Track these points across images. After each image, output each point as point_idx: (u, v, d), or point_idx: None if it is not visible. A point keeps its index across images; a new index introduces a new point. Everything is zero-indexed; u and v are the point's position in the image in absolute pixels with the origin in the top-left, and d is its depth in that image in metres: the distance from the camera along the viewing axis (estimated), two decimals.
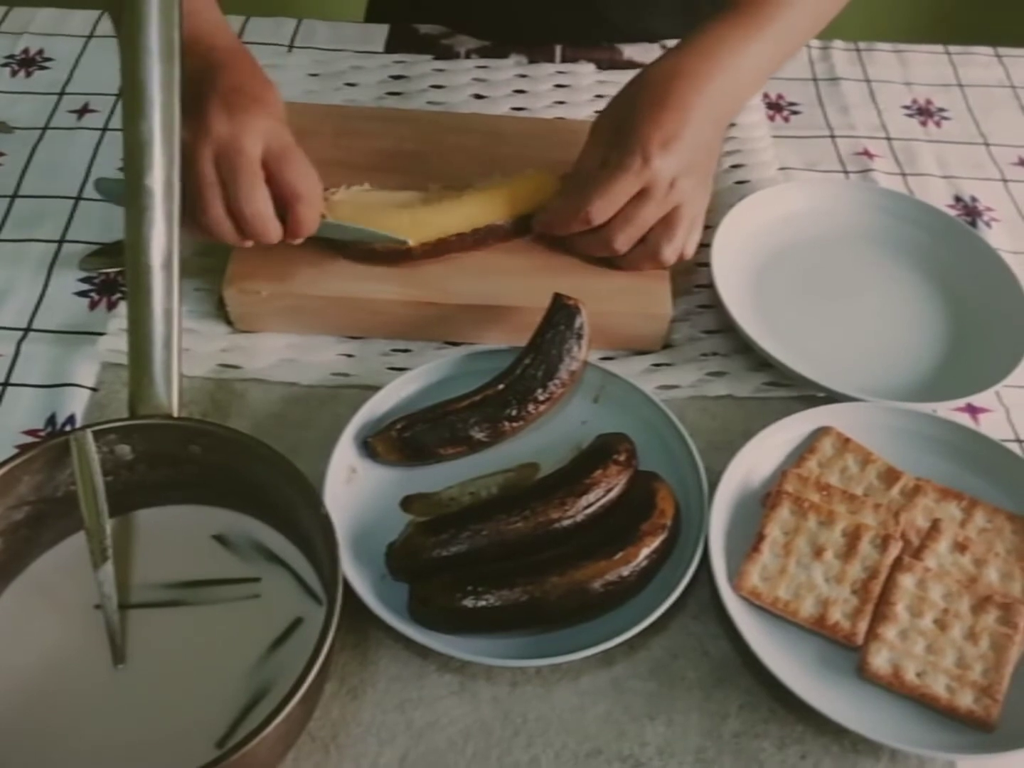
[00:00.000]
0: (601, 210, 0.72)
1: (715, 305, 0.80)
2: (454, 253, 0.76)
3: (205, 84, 0.68)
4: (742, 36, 0.75)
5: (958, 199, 0.93)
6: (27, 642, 0.58)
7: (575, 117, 0.96)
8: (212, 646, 0.58)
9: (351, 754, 0.58)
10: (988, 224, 0.91)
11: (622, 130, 0.72)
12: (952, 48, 1.10)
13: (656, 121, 0.71)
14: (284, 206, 0.69)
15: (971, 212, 0.92)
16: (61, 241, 0.83)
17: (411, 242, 0.74)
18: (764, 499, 0.67)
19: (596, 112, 0.80)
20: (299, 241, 0.72)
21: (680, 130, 0.71)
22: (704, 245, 0.81)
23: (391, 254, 0.75)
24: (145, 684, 0.56)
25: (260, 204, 0.67)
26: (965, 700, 0.58)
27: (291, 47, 1.02)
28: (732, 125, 0.96)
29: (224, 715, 0.55)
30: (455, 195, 0.76)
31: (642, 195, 0.71)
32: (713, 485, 0.66)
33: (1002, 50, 1.10)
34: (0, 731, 0.55)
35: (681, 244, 0.74)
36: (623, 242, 0.73)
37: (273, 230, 0.69)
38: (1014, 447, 0.71)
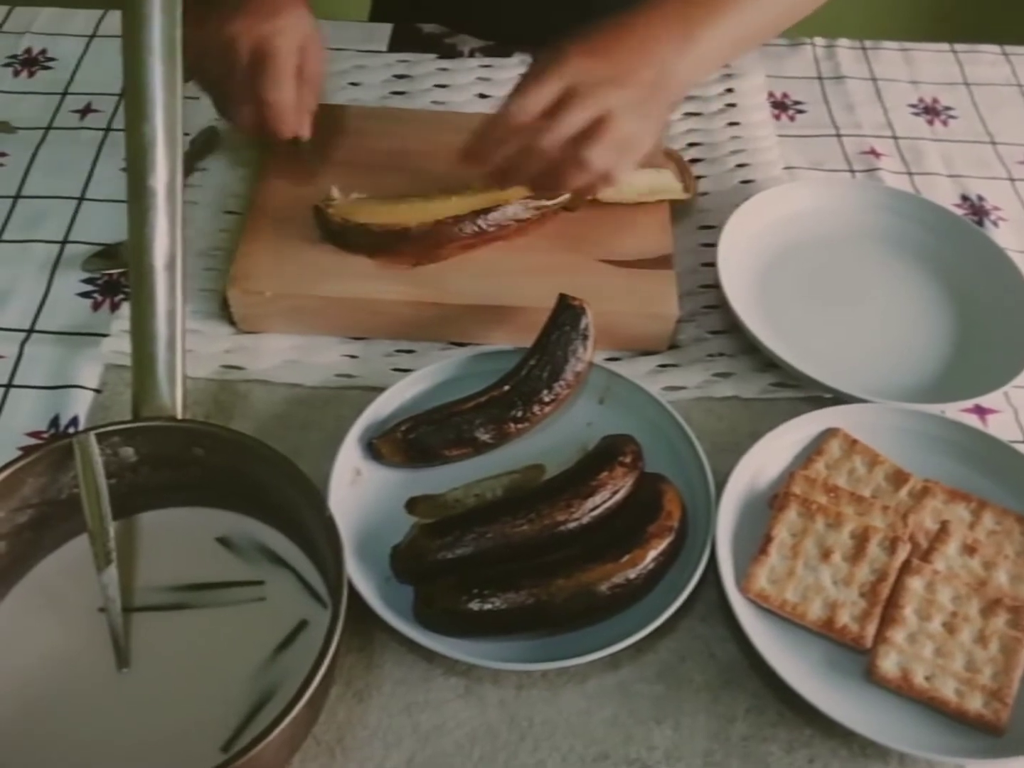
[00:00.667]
0: (520, 106, 0.68)
1: (721, 305, 0.80)
2: (454, 245, 0.76)
3: None
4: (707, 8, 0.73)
5: (965, 198, 0.93)
6: (31, 645, 0.58)
7: None
8: (217, 649, 0.58)
9: (357, 757, 0.57)
10: (995, 223, 0.90)
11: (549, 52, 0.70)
12: (958, 46, 1.09)
13: (583, 38, 0.69)
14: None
15: (978, 211, 0.91)
16: (64, 242, 0.83)
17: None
18: (771, 501, 0.67)
19: None
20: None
21: (608, 48, 0.69)
22: (710, 245, 0.81)
23: (391, 240, 0.74)
24: (149, 688, 0.56)
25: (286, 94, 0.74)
26: (974, 704, 0.58)
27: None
28: (735, 124, 0.96)
29: (229, 719, 0.55)
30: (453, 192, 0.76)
31: (564, 96, 0.67)
32: (720, 487, 0.66)
33: (1009, 48, 1.09)
34: (4, 734, 0.54)
35: (609, 155, 0.68)
36: (550, 142, 0.67)
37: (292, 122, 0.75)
38: (1023, 448, 0.71)
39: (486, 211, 0.76)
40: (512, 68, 1.00)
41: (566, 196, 0.78)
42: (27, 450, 0.58)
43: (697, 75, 0.76)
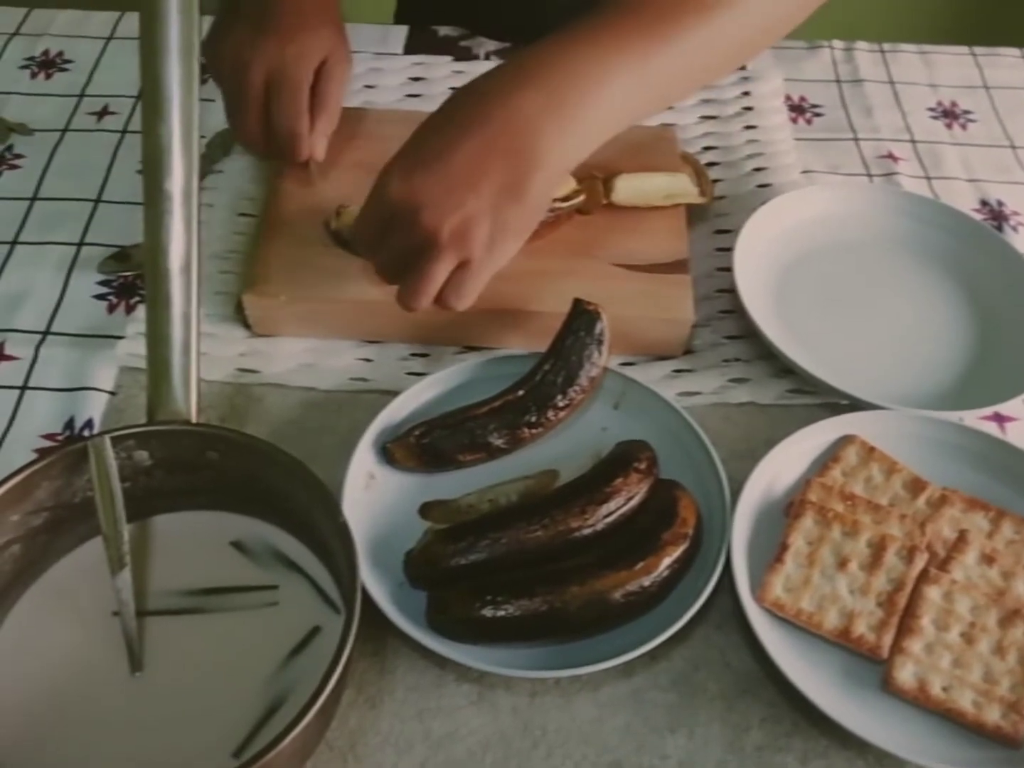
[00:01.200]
0: (354, 233, 0.65)
1: (737, 310, 0.79)
2: None
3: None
4: (607, 51, 0.60)
5: (984, 203, 0.92)
6: (44, 648, 0.58)
7: None
8: (230, 654, 0.58)
9: (369, 764, 0.57)
10: (1015, 228, 0.89)
11: None
12: (978, 49, 1.08)
13: (415, 141, 0.61)
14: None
15: (997, 216, 0.90)
16: (80, 244, 0.83)
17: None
18: (787, 508, 0.66)
19: None
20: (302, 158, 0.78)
21: (437, 156, 0.59)
22: (726, 249, 0.81)
23: None
24: (162, 692, 0.56)
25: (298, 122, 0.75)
26: (992, 715, 0.57)
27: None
28: (752, 127, 0.95)
29: (241, 724, 0.54)
30: None
31: (390, 220, 0.61)
32: (735, 494, 0.65)
33: None
34: (16, 738, 0.54)
35: (428, 284, 0.61)
36: (380, 266, 0.65)
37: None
38: None
39: None
40: None
41: (580, 199, 0.78)
42: (42, 453, 0.58)
43: (578, 156, 0.63)
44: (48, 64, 0.99)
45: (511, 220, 0.60)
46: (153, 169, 0.60)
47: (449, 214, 0.59)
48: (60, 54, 1.00)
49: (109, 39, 1.02)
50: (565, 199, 0.77)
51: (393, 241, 0.62)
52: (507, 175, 0.59)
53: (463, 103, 0.61)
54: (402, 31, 1.05)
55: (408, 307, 0.64)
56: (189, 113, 0.61)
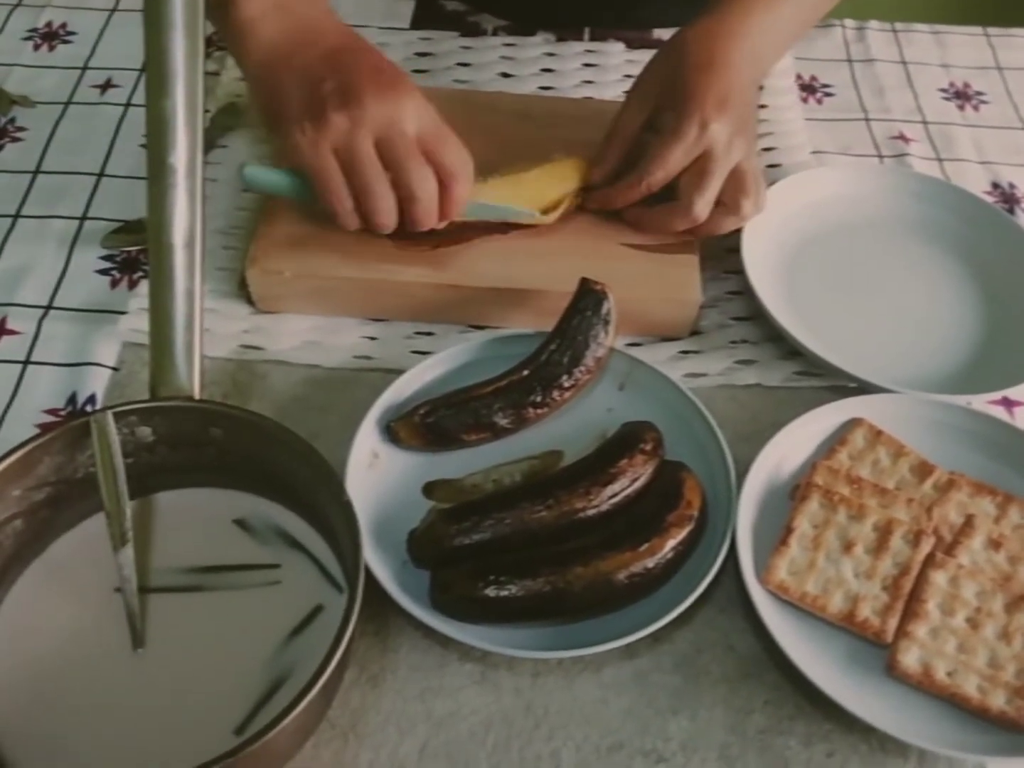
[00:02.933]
0: (661, 180, 0.72)
1: (745, 292, 0.79)
2: (477, 238, 0.75)
3: (337, 65, 0.68)
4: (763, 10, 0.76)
5: (996, 185, 0.91)
6: (46, 624, 0.57)
7: (603, 97, 0.94)
8: (232, 632, 0.57)
9: (371, 743, 0.57)
10: None
11: (671, 92, 0.72)
12: (992, 30, 1.07)
13: (707, 83, 0.71)
14: (441, 186, 0.69)
15: (1009, 199, 0.90)
16: (83, 218, 0.82)
17: (549, 219, 0.75)
18: (793, 491, 0.66)
19: (625, 92, 0.79)
20: (444, 224, 0.72)
21: (729, 90, 0.71)
22: (734, 231, 0.80)
23: (410, 233, 0.73)
24: (164, 669, 0.56)
25: (426, 186, 0.68)
26: (997, 701, 0.57)
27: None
28: (762, 107, 0.94)
29: (243, 702, 0.54)
30: (480, 181, 0.75)
31: (704, 159, 0.71)
32: (741, 476, 0.65)
33: None
34: (18, 713, 0.54)
35: (754, 196, 0.73)
36: (702, 207, 0.72)
37: (427, 216, 0.70)
38: None
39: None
40: (535, 47, 0.99)
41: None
42: (44, 428, 0.57)
43: (769, 65, 0.82)
44: (51, 36, 0.98)
45: (752, 134, 0.75)
46: (157, 143, 0.59)
47: (741, 135, 0.72)
48: (63, 26, 0.99)
49: (113, 11, 1.01)
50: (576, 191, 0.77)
51: (710, 179, 0.72)
52: (742, 117, 0.72)
53: (702, 51, 0.74)
54: (409, 5, 1.03)
55: (693, 219, 0.73)
56: (194, 87, 0.60)
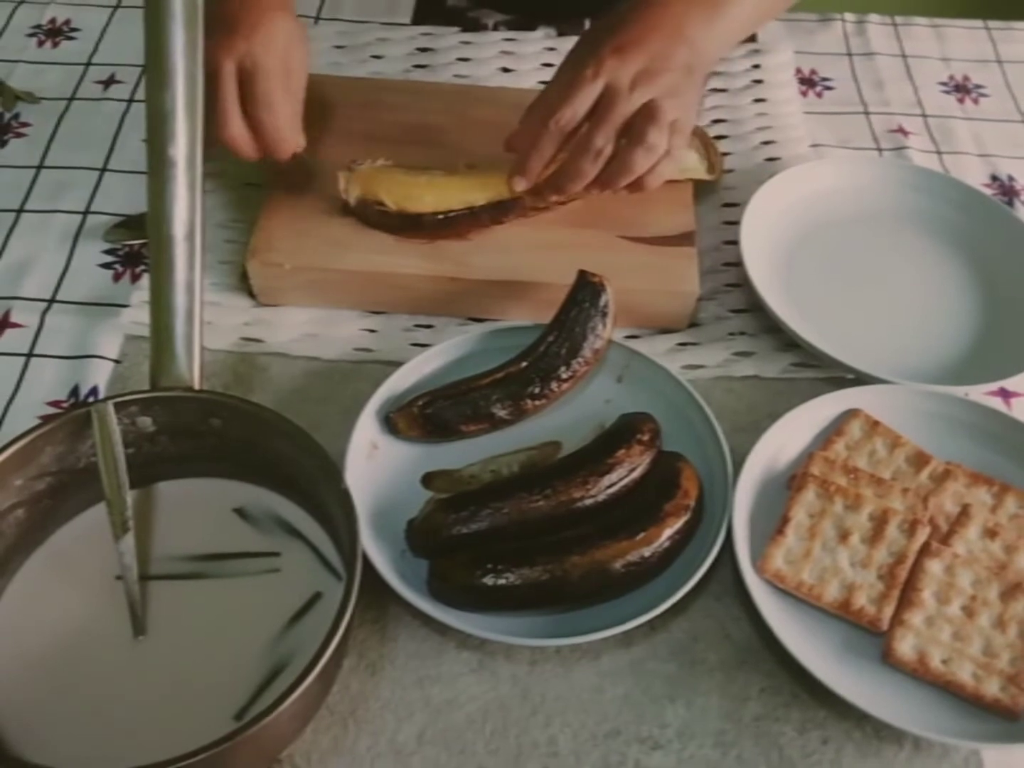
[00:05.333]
0: (565, 116, 0.69)
1: (743, 284, 0.79)
2: (469, 228, 0.75)
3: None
4: None
5: (994, 178, 0.91)
6: (48, 612, 0.58)
7: None
8: (232, 619, 0.58)
9: (369, 729, 0.58)
10: None
11: (581, 46, 0.72)
12: (992, 23, 1.07)
13: (613, 31, 0.70)
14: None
15: (1008, 191, 0.90)
16: (86, 212, 0.83)
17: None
18: (790, 481, 0.66)
19: None
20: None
21: (639, 38, 0.70)
22: (733, 223, 0.80)
23: (406, 223, 0.74)
24: (165, 656, 0.57)
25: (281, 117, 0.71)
26: (991, 688, 0.57)
27: (317, 19, 1.01)
28: (762, 100, 0.94)
29: (243, 688, 0.55)
30: (474, 172, 0.75)
31: (604, 95, 0.69)
32: (738, 466, 0.65)
33: None
34: (21, 700, 0.55)
35: (664, 136, 0.69)
36: (602, 140, 0.69)
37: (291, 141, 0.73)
38: None
39: (503, 203, 0.75)
40: (536, 42, 0.99)
41: None
42: (46, 418, 0.58)
43: (724, 48, 0.77)
44: (55, 32, 0.99)
45: (693, 97, 0.72)
46: (157, 136, 0.60)
47: (661, 76, 0.69)
48: (67, 22, 1.00)
49: (116, 8, 1.02)
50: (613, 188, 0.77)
51: (612, 113, 0.68)
52: (686, 61, 0.70)
53: (635, 10, 0.72)
54: (410, 1, 1.04)
55: (653, 151, 0.69)
56: (193, 81, 0.61)
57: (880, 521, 0.62)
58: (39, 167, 0.86)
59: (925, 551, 0.62)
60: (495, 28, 1.01)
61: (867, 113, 0.96)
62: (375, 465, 0.66)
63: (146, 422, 0.60)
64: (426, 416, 0.67)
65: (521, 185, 0.73)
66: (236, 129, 0.71)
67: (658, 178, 0.71)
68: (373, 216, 0.75)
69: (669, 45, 0.70)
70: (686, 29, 0.71)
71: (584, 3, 1.02)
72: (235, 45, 0.70)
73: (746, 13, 0.75)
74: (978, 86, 1.00)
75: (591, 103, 0.69)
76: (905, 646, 0.59)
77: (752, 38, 1.01)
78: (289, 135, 0.72)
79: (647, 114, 0.68)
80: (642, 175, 0.71)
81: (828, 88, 0.98)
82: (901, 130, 0.94)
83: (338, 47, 0.98)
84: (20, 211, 0.83)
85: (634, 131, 0.69)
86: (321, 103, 0.81)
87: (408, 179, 0.75)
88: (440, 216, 0.74)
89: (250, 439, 0.60)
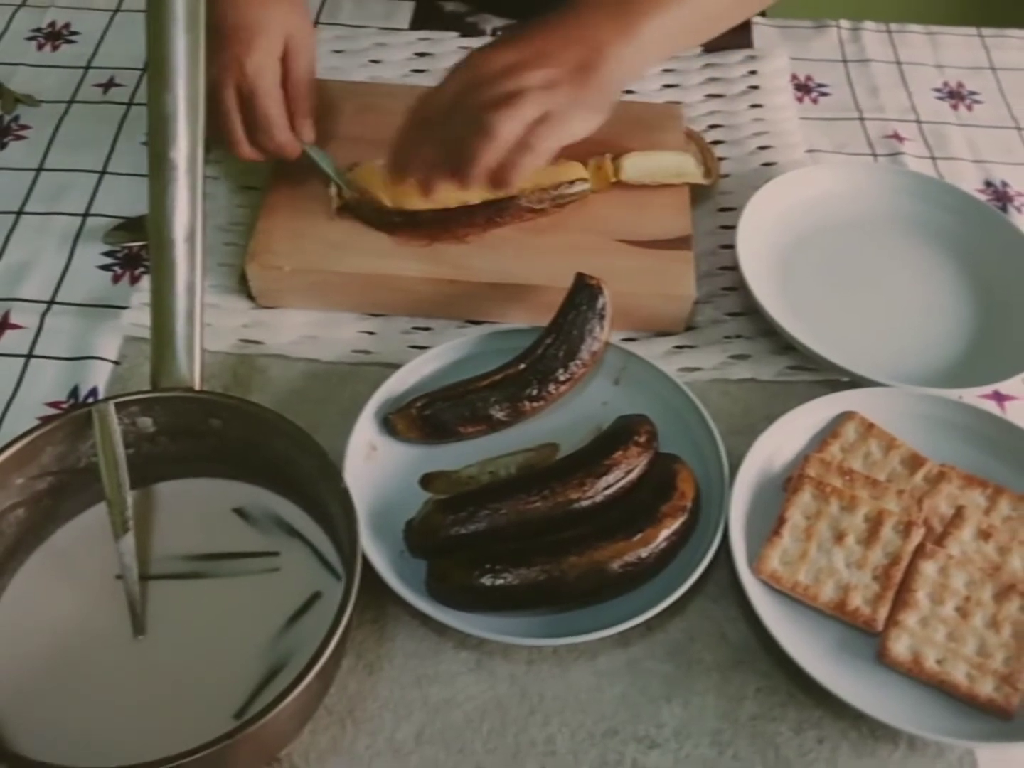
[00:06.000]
0: (426, 105, 0.68)
1: (739, 287, 0.80)
2: (466, 227, 0.76)
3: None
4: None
5: (988, 184, 0.92)
6: (49, 611, 0.58)
7: None
8: (231, 618, 0.58)
9: (367, 729, 0.58)
10: (1019, 209, 0.89)
11: None
12: (985, 31, 1.08)
13: (514, 33, 0.69)
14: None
15: (1001, 197, 0.90)
16: (85, 215, 0.83)
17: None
18: (786, 483, 0.67)
19: (624, 92, 0.79)
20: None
21: (526, 37, 0.68)
22: (730, 227, 0.81)
23: (402, 219, 0.75)
24: (165, 655, 0.57)
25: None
26: (985, 688, 0.58)
27: (316, 23, 1.02)
28: (758, 106, 0.95)
29: (242, 687, 0.55)
30: None
31: (469, 86, 0.67)
32: (734, 468, 0.66)
33: None
34: (21, 698, 0.55)
35: (516, 125, 0.64)
36: (455, 125, 0.66)
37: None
38: None
39: (498, 202, 0.76)
40: None
41: (586, 186, 0.78)
42: (47, 418, 0.58)
43: (638, 64, 0.73)
44: (55, 35, 0.99)
45: (586, 95, 0.67)
46: (158, 138, 0.61)
47: (537, 69, 0.66)
48: (67, 25, 1.00)
49: (116, 11, 1.02)
50: (571, 183, 0.78)
51: (470, 101, 0.66)
52: (581, 59, 0.67)
53: (543, 19, 0.70)
54: (408, 6, 1.04)
55: (492, 135, 0.64)
56: (195, 84, 0.61)
57: (875, 522, 0.63)
58: (39, 169, 0.87)
59: (920, 552, 0.62)
60: (493, 33, 1.02)
61: (862, 119, 0.97)
62: (374, 466, 0.67)
63: (146, 422, 0.60)
64: (424, 418, 0.67)
65: (395, 179, 0.71)
66: (243, 149, 0.75)
67: (515, 171, 0.66)
68: (371, 214, 0.75)
69: (560, 44, 0.68)
70: (592, 35, 0.69)
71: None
72: (232, 63, 0.71)
73: (665, 31, 0.71)
74: (972, 92, 1.01)
75: (454, 95, 0.67)
76: (900, 646, 0.59)
77: (748, 44, 1.02)
78: (289, 145, 0.75)
79: (501, 101, 0.65)
80: (500, 168, 0.66)
81: (824, 94, 0.99)
82: (896, 136, 0.95)
83: (337, 52, 0.98)
84: (20, 213, 0.83)
85: (481, 119, 0.65)
86: (320, 107, 0.82)
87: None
88: (436, 213, 0.74)
89: (250, 439, 0.61)
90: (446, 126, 0.67)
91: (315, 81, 0.78)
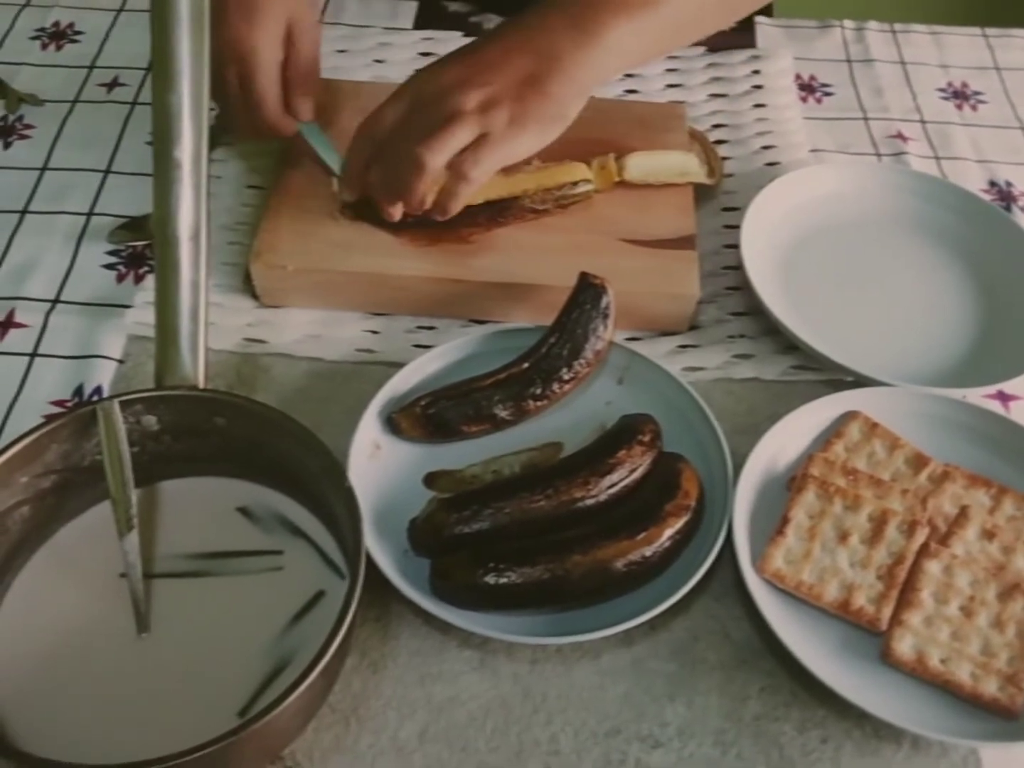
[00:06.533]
0: (368, 124, 0.69)
1: (743, 287, 0.80)
2: (468, 227, 0.76)
3: None
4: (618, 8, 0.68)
5: (993, 184, 0.92)
6: (52, 609, 0.58)
7: (604, 96, 0.95)
8: (235, 617, 0.58)
9: (371, 727, 0.58)
10: (1023, 209, 0.89)
11: None
12: (990, 31, 1.08)
13: (465, 48, 0.69)
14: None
15: (1006, 197, 0.90)
16: (90, 214, 0.83)
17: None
18: (789, 483, 0.67)
19: (625, 91, 0.80)
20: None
21: (465, 52, 0.68)
22: (733, 226, 0.81)
23: (407, 218, 0.74)
24: (169, 653, 0.57)
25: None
26: (989, 688, 0.58)
27: (320, 23, 1.01)
28: (761, 106, 0.95)
29: (246, 685, 0.55)
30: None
31: (409, 107, 0.68)
32: (738, 468, 0.65)
33: None
34: (25, 697, 0.55)
35: (440, 155, 0.65)
36: (390, 148, 0.68)
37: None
38: None
39: (501, 203, 0.76)
40: None
41: (590, 186, 0.78)
42: (51, 417, 0.58)
43: (601, 70, 0.70)
44: (59, 35, 0.99)
45: (531, 110, 0.66)
46: (163, 137, 0.60)
47: (476, 88, 0.65)
48: (71, 25, 1.00)
49: (119, 11, 1.02)
50: (575, 184, 0.78)
51: (406, 126, 0.67)
52: (530, 70, 0.66)
53: (502, 24, 0.70)
54: (412, 6, 1.05)
55: (420, 167, 0.65)
56: (199, 82, 0.61)
57: (879, 522, 0.63)
58: (43, 169, 0.87)
59: (924, 552, 0.62)
60: None
61: (866, 119, 0.97)
62: (378, 465, 0.67)
63: (151, 421, 0.61)
64: (428, 416, 0.67)
65: (346, 194, 0.74)
66: (240, 126, 0.78)
67: (451, 199, 0.68)
68: (375, 211, 0.75)
69: (507, 56, 0.67)
70: (548, 42, 0.67)
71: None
72: (230, 41, 0.72)
73: (631, 36, 0.69)
74: (976, 93, 1.01)
75: (398, 115, 0.68)
76: (904, 646, 0.59)
77: (752, 44, 1.02)
78: (279, 123, 0.76)
79: (434, 128, 0.65)
80: (438, 196, 0.68)
81: (827, 94, 0.99)
82: (900, 136, 0.95)
83: (340, 51, 0.98)
84: (24, 212, 0.83)
85: (411, 148, 0.65)
86: (323, 107, 0.82)
87: None
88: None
89: (254, 438, 0.61)
90: (385, 150, 0.68)
91: (316, 63, 0.79)
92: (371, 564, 0.59)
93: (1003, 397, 0.75)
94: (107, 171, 0.87)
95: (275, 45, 0.75)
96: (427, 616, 0.60)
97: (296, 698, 0.49)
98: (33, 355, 0.74)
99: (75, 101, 0.93)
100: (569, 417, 0.70)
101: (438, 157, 0.65)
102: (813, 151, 0.92)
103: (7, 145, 0.89)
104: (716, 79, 0.98)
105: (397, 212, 0.72)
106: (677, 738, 0.58)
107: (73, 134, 0.90)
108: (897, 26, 1.07)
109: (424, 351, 0.72)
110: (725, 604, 0.64)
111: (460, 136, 0.65)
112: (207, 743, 0.47)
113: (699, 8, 0.73)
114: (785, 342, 0.76)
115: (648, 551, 0.60)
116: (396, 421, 0.67)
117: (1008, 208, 0.89)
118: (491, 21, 1.03)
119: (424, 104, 0.66)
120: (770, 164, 0.90)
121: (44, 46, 0.98)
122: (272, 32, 0.74)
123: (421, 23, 1.03)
